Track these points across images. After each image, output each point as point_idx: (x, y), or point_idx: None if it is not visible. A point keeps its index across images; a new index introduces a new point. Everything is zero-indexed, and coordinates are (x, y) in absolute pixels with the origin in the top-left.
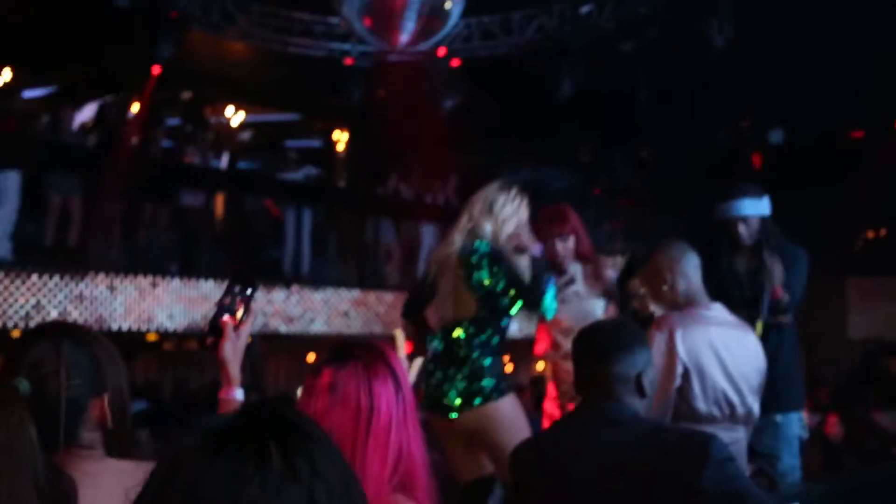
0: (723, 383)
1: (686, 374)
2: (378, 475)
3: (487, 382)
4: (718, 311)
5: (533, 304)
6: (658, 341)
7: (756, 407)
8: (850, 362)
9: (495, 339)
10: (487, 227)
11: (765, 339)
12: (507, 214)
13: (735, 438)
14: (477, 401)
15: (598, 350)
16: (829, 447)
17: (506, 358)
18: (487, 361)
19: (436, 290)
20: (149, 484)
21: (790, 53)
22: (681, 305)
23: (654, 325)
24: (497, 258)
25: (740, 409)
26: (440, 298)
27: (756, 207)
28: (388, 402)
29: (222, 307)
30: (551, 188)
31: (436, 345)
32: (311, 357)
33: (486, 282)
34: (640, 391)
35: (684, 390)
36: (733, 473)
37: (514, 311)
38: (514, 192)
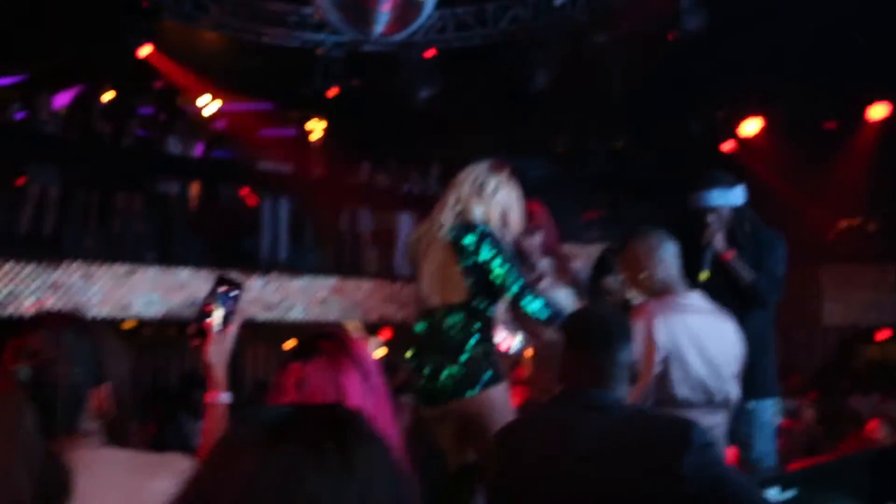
0: (701, 369)
1: (665, 361)
2: None
3: (486, 370)
4: (696, 298)
5: (525, 296)
6: (637, 329)
7: (735, 392)
8: (825, 349)
9: (488, 325)
10: (478, 211)
11: (715, 295)
12: (500, 198)
13: (714, 423)
14: (476, 389)
15: (604, 336)
16: (806, 432)
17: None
18: (483, 348)
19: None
20: (203, 471)
21: (764, 41)
22: (659, 293)
23: (632, 314)
24: (496, 240)
25: (718, 395)
26: (423, 281)
27: (726, 197)
28: (356, 394)
29: (206, 310)
30: (526, 178)
31: (420, 331)
32: (289, 344)
33: (485, 264)
34: (635, 377)
35: (664, 377)
36: (714, 459)
37: (508, 294)
38: (505, 174)
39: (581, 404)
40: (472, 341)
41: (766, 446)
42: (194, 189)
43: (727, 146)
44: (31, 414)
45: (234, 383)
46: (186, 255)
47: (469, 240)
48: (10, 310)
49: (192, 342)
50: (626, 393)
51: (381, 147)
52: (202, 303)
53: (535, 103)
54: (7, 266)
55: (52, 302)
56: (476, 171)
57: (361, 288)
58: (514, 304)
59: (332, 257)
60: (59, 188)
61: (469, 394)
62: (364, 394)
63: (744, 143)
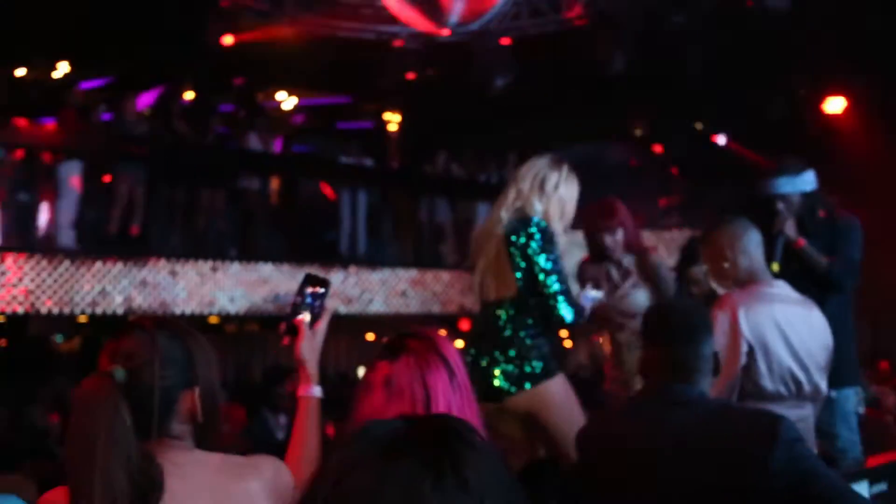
0: (788, 361)
1: (751, 353)
2: None
3: (536, 365)
4: (782, 287)
5: (559, 300)
6: (721, 320)
7: (823, 384)
8: None
9: (540, 320)
10: (538, 206)
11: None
12: (561, 194)
13: (803, 416)
14: (527, 385)
15: (688, 331)
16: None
17: (560, 334)
18: (534, 342)
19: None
20: (318, 483)
21: (849, 18)
22: (743, 283)
23: (716, 305)
24: (550, 238)
25: (807, 387)
26: (480, 277)
27: (794, 184)
28: (443, 392)
29: (296, 307)
30: (605, 163)
31: (477, 326)
32: (369, 336)
33: (533, 258)
34: (718, 368)
35: (750, 369)
36: (803, 454)
37: (546, 292)
38: (566, 169)
39: (665, 400)
40: (523, 335)
41: (851, 436)
42: (274, 184)
43: (811, 127)
44: (127, 415)
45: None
46: (268, 251)
47: (522, 234)
48: (100, 308)
49: (284, 339)
50: (709, 386)
51: (457, 137)
52: (292, 301)
53: (612, 88)
54: (97, 265)
55: (139, 300)
56: (537, 167)
57: (440, 279)
58: (545, 304)
59: (410, 249)
60: (145, 187)
61: (523, 389)
62: (450, 392)
63: (828, 122)
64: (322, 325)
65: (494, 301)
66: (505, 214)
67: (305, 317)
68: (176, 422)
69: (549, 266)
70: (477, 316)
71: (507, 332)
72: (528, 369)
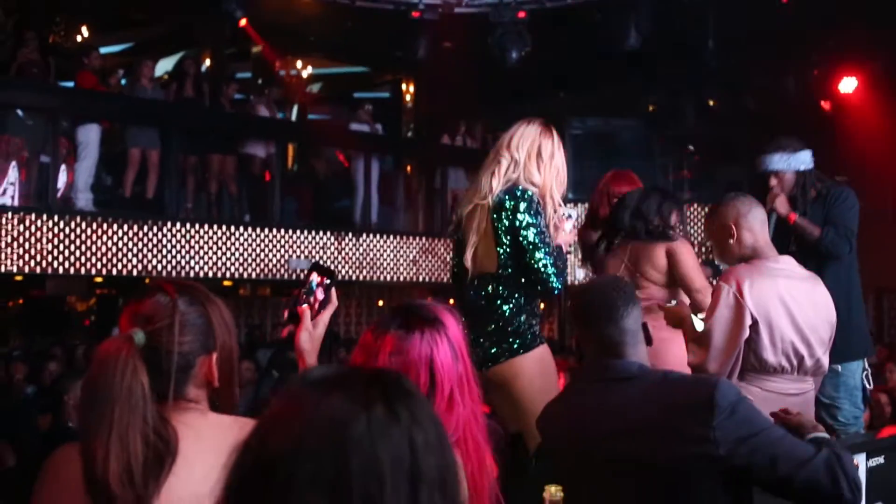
0: (791, 335)
1: (754, 326)
2: None
3: (514, 338)
4: (787, 263)
5: (553, 276)
6: (725, 294)
7: (825, 359)
8: None
9: (521, 292)
10: (537, 176)
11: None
12: (557, 161)
13: (803, 389)
14: (503, 358)
15: (607, 308)
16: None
17: (539, 306)
18: (515, 317)
19: (464, 239)
20: (265, 416)
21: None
22: (748, 259)
23: (721, 278)
24: (538, 210)
25: (809, 361)
26: (470, 249)
27: (788, 162)
28: (448, 371)
29: (300, 296)
30: (618, 137)
31: (468, 298)
32: (380, 303)
33: (520, 229)
34: (649, 338)
35: (752, 342)
36: (746, 415)
37: (532, 264)
38: (556, 135)
39: (605, 377)
40: (504, 308)
41: (854, 410)
42: (289, 151)
43: (823, 105)
44: (146, 377)
45: (327, 343)
46: (281, 217)
47: (509, 206)
48: (115, 270)
49: (285, 329)
50: (644, 356)
51: (473, 108)
52: (297, 290)
53: (628, 63)
54: (113, 227)
55: (153, 262)
56: (531, 135)
57: (451, 248)
58: (533, 277)
59: (422, 218)
60: (160, 152)
61: (499, 363)
62: (454, 371)
63: (840, 102)
64: (325, 316)
65: (479, 274)
66: (496, 184)
67: (308, 307)
68: (192, 386)
69: (536, 240)
70: (464, 288)
71: (489, 305)
72: (507, 344)
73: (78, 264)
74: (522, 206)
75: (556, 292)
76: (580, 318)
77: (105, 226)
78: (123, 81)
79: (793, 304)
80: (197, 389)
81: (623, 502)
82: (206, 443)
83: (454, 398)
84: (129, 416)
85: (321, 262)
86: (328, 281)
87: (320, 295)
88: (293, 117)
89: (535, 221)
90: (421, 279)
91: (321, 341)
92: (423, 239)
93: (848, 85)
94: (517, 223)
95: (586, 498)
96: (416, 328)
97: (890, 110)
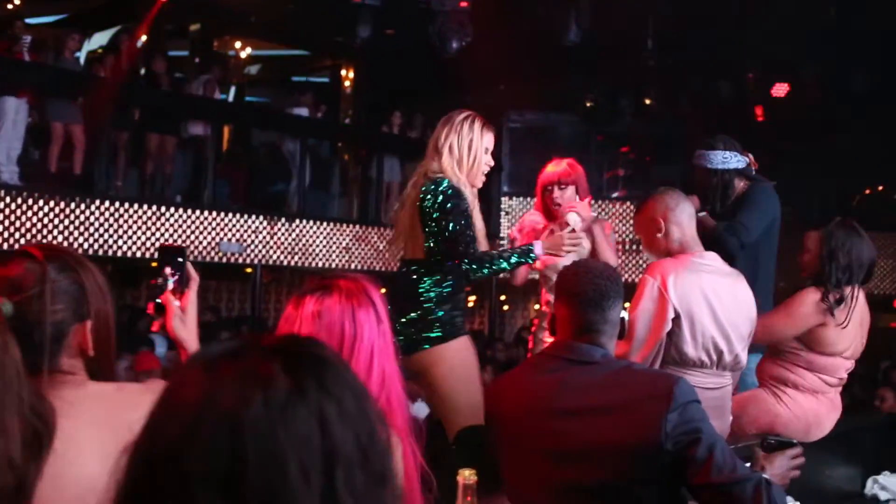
0: (712, 330)
1: (676, 320)
2: None
3: (435, 327)
4: (712, 259)
5: (474, 262)
6: (650, 286)
7: (744, 355)
8: None
9: (448, 282)
10: (453, 166)
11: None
12: (478, 150)
13: (721, 384)
14: (425, 346)
15: (598, 294)
16: None
17: (466, 298)
18: (436, 305)
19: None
20: (154, 407)
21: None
22: (674, 253)
23: (646, 271)
24: (458, 200)
25: (728, 356)
26: (397, 236)
27: (702, 160)
28: (370, 330)
29: (158, 285)
30: (556, 132)
31: (396, 285)
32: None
33: (442, 223)
34: (623, 332)
35: (674, 335)
36: (694, 416)
37: (456, 255)
38: (479, 123)
39: (570, 358)
40: (429, 296)
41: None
42: (225, 133)
43: (756, 109)
44: (17, 351)
45: (258, 327)
46: (214, 199)
47: (430, 197)
48: None
49: (154, 324)
50: (613, 348)
51: (411, 97)
52: (154, 280)
53: (567, 58)
54: (39, 203)
55: (80, 240)
56: (463, 126)
57: (384, 237)
58: (456, 266)
59: (357, 205)
60: (87, 128)
61: (420, 350)
62: (376, 334)
63: (772, 106)
64: (191, 294)
65: (406, 261)
66: (422, 174)
67: (169, 291)
68: (66, 356)
69: (456, 229)
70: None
71: (413, 293)
72: (427, 333)
73: (1, 239)
74: (441, 197)
75: (483, 276)
76: (566, 298)
77: (31, 201)
78: (51, 54)
79: (715, 299)
80: (71, 360)
81: (558, 479)
82: (85, 416)
83: (374, 355)
84: (2, 394)
85: (166, 242)
86: (181, 259)
87: (177, 273)
88: (230, 98)
89: (454, 211)
90: (353, 267)
91: (197, 322)
92: (357, 227)
93: (780, 91)
94: (437, 214)
95: (522, 470)
96: (335, 290)
97: (817, 117)
